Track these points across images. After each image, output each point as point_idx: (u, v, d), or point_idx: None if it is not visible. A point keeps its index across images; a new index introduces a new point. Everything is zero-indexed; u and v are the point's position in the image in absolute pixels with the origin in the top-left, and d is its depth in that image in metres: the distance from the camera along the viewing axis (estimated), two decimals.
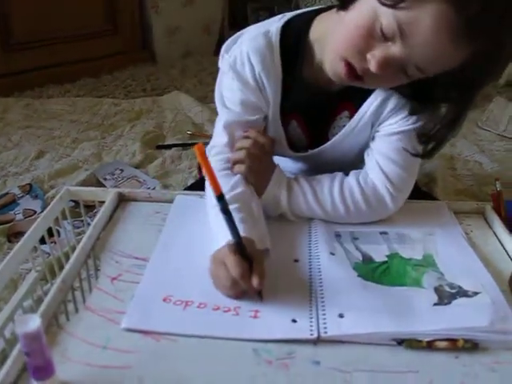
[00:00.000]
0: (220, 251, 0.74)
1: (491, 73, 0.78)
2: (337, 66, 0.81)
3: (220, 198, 0.69)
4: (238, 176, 0.88)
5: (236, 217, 0.76)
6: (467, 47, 0.71)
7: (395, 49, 0.74)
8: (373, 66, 0.76)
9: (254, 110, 0.94)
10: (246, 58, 0.91)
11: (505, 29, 0.71)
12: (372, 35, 0.75)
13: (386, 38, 0.74)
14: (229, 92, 0.95)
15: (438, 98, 0.84)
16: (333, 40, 0.82)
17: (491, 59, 0.74)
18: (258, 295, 0.72)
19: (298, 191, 0.90)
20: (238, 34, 0.97)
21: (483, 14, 0.67)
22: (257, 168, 0.89)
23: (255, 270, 0.71)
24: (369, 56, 0.76)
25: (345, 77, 0.80)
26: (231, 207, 0.75)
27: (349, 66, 0.79)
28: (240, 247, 0.72)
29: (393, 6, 0.70)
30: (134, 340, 0.66)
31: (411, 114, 0.88)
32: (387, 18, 0.72)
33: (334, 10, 0.84)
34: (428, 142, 0.88)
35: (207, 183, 0.89)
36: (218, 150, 0.93)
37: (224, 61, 0.94)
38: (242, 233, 0.74)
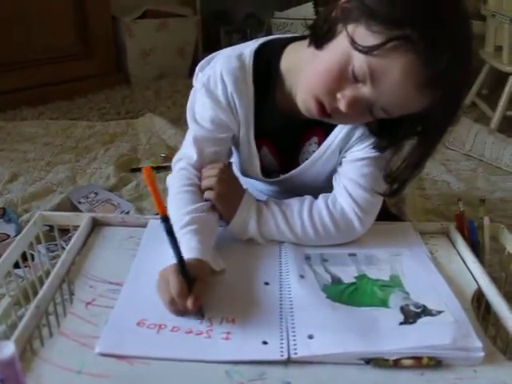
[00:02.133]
0: (166, 269, 0.77)
1: (449, 117, 0.83)
2: (309, 102, 0.84)
3: (164, 219, 0.73)
4: (206, 202, 0.91)
5: (194, 238, 0.81)
6: (430, 96, 0.77)
7: (364, 90, 0.78)
8: (342, 105, 0.80)
9: (223, 129, 0.96)
10: (219, 77, 0.93)
11: (462, 82, 0.80)
12: (343, 76, 0.79)
13: (356, 79, 0.78)
14: (200, 108, 0.97)
15: (401, 137, 0.88)
16: (305, 77, 0.86)
17: (449, 106, 0.80)
18: (198, 314, 0.75)
19: (268, 215, 0.92)
20: (213, 54, 1.00)
21: (448, 70, 0.73)
22: (226, 193, 0.92)
23: (193, 292, 0.74)
24: (339, 95, 0.80)
25: (316, 114, 0.84)
26: (191, 227, 0.82)
27: (320, 104, 0.82)
28: (182, 267, 0.75)
29: (366, 53, 0.74)
30: (108, 364, 0.67)
31: (376, 149, 0.92)
32: (359, 61, 0.76)
33: (305, 41, 0.87)
34: (393, 182, 0.91)
35: (169, 206, 0.91)
36: (183, 165, 0.96)
37: (198, 79, 0.97)
38: (197, 254, 0.79)
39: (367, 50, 0.74)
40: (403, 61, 0.73)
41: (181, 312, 0.75)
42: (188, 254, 0.79)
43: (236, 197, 0.93)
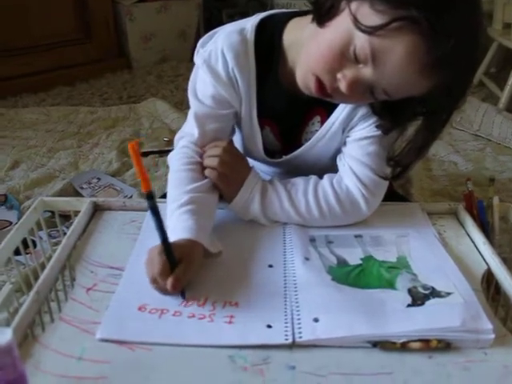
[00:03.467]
0: (154, 247, 0.76)
1: (454, 102, 0.80)
2: (308, 80, 0.82)
3: (149, 196, 0.71)
4: (206, 180, 0.89)
5: (190, 218, 0.81)
6: (433, 79, 0.74)
7: (366, 72, 0.76)
8: (343, 86, 0.77)
9: (224, 105, 0.94)
10: (220, 53, 0.91)
11: (468, 67, 0.77)
12: (344, 56, 0.76)
13: (357, 60, 0.75)
14: (201, 85, 0.96)
15: (405, 118, 0.86)
16: (306, 54, 0.83)
17: (454, 90, 0.78)
18: (181, 294, 0.74)
19: (273, 194, 0.90)
20: (215, 30, 0.98)
21: (453, 54, 0.70)
22: (228, 174, 0.90)
23: (175, 272, 0.73)
24: (339, 75, 0.77)
25: (315, 92, 0.82)
26: (189, 207, 0.81)
27: (319, 82, 0.80)
28: (166, 247, 0.74)
29: (369, 33, 0.72)
30: (109, 350, 0.66)
31: (379, 128, 0.90)
32: (361, 42, 0.73)
33: (308, 16, 0.85)
34: (396, 166, 0.89)
35: (168, 184, 0.90)
36: (184, 143, 0.95)
37: (199, 55, 0.95)
38: (192, 235, 0.78)
39: (370, 30, 0.71)
40: (407, 42, 0.70)
41: (164, 290, 0.74)
42: (183, 233, 0.78)
43: (239, 178, 0.91)
